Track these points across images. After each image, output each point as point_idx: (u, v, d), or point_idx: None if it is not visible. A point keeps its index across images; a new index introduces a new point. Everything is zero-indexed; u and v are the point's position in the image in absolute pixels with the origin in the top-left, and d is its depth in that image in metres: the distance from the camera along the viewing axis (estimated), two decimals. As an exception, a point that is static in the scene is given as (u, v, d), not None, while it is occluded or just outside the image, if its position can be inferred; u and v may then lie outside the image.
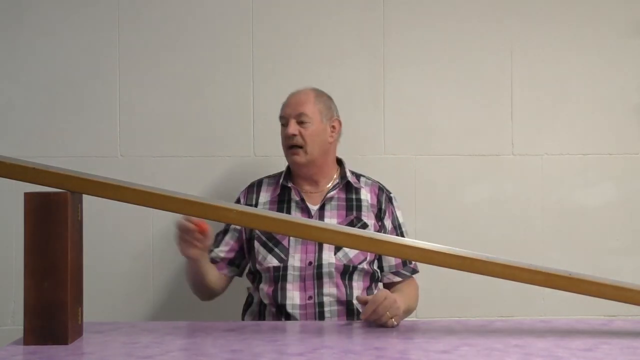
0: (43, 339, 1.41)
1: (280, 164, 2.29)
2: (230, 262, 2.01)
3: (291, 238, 1.91)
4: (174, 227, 1.77)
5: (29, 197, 1.43)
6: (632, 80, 2.45)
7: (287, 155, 1.99)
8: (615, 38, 2.45)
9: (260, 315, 1.94)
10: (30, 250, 1.42)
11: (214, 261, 1.98)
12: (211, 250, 1.97)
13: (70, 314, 1.43)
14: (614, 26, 2.45)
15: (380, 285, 2.03)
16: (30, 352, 1.37)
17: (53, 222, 1.42)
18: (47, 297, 1.41)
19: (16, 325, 2.29)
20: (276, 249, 1.92)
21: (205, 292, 1.97)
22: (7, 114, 2.34)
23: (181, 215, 1.69)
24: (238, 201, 2.03)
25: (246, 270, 2.05)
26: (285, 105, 2.01)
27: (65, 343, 1.41)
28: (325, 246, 1.92)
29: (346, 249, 1.91)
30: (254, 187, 2.05)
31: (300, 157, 1.96)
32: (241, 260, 2.02)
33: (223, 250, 1.99)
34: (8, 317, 2.32)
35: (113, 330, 1.58)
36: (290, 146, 1.96)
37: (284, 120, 1.99)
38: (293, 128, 1.95)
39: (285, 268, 1.90)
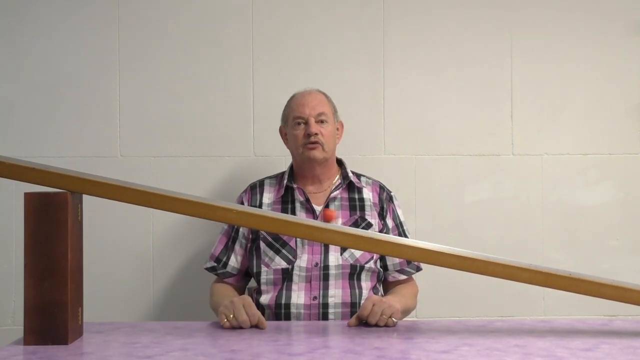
0: (43, 339, 1.41)
1: (280, 164, 2.30)
2: (246, 274, 2.02)
3: (298, 239, 1.91)
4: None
5: (29, 197, 1.43)
6: (632, 80, 2.45)
7: (303, 152, 1.97)
8: (615, 38, 2.45)
9: None
10: (30, 250, 1.42)
11: (230, 275, 1.99)
12: (225, 264, 1.98)
13: (70, 314, 1.43)
14: (614, 26, 2.45)
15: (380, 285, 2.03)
16: (30, 352, 1.37)
17: (53, 222, 1.42)
18: (47, 297, 1.41)
19: (16, 325, 2.29)
20: (284, 250, 1.92)
21: None
22: (7, 114, 2.35)
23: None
24: (241, 203, 2.03)
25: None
26: (300, 105, 2.00)
27: (65, 343, 1.41)
28: (331, 247, 1.92)
29: (352, 249, 1.91)
30: (257, 188, 2.05)
31: (319, 152, 1.96)
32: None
33: (237, 262, 1.99)
34: (8, 317, 2.32)
35: (113, 330, 1.58)
36: (311, 142, 1.96)
37: (302, 120, 1.98)
38: (315, 127, 1.96)
39: (291, 268, 1.91)
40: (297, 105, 2.01)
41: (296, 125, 1.99)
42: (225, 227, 2.02)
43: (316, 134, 1.95)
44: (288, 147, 2.06)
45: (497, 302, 2.39)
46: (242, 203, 2.02)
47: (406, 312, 1.90)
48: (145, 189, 1.49)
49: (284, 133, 2.07)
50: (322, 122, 1.98)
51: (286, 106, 2.06)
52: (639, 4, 2.45)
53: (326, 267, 1.90)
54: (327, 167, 2.02)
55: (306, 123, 1.97)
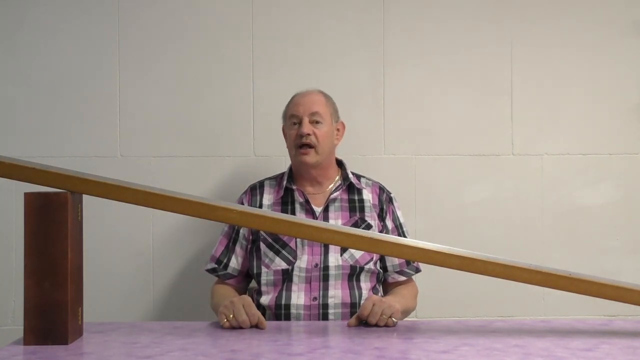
0: (43, 339, 1.41)
1: (280, 164, 2.30)
2: (247, 275, 2.02)
3: (298, 240, 1.91)
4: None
5: (29, 197, 1.43)
6: (632, 80, 2.45)
7: (295, 155, 1.98)
8: (615, 38, 2.45)
9: None
10: (30, 250, 1.42)
11: (230, 276, 1.99)
12: (226, 265, 1.98)
13: (70, 314, 1.43)
14: (614, 26, 2.45)
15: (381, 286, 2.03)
16: (30, 352, 1.37)
17: (53, 222, 1.42)
18: (47, 297, 1.41)
19: (16, 325, 2.29)
20: (284, 251, 1.92)
21: None
22: (7, 114, 2.35)
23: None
24: (241, 204, 2.02)
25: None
26: (296, 104, 2.00)
27: (65, 343, 1.42)
28: (331, 248, 1.92)
29: (352, 250, 1.90)
30: (257, 189, 2.05)
31: (311, 157, 1.96)
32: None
33: (238, 263, 1.99)
34: (8, 317, 2.32)
35: (113, 330, 1.58)
36: (302, 145, 1.95)
37: (296, 119, 1.97)
38: (308, 127, 1.94)
39: (291, 269, 1.90)
40: (294, 105, 2.01)
41: (292, 125, 1.99)
42: (226, 228, 2.02)
43: (308, 134, 1.94)
44: (287, 147, 2.06)
45: (497, 302, 2.39)
46: (242, 204, 2.02)
47: (406, 312, 1.90)
48: (145, 189, 1.49)
49: (285, 132, 2.07)
50: (316, 122, 1.96)
51: (286, 105, 2.06)
52: (639, 4, 2.45)
53: (326, 268, 1.90)
54: (324, 169, 2.01)
55: (300, 123, 1.97)
